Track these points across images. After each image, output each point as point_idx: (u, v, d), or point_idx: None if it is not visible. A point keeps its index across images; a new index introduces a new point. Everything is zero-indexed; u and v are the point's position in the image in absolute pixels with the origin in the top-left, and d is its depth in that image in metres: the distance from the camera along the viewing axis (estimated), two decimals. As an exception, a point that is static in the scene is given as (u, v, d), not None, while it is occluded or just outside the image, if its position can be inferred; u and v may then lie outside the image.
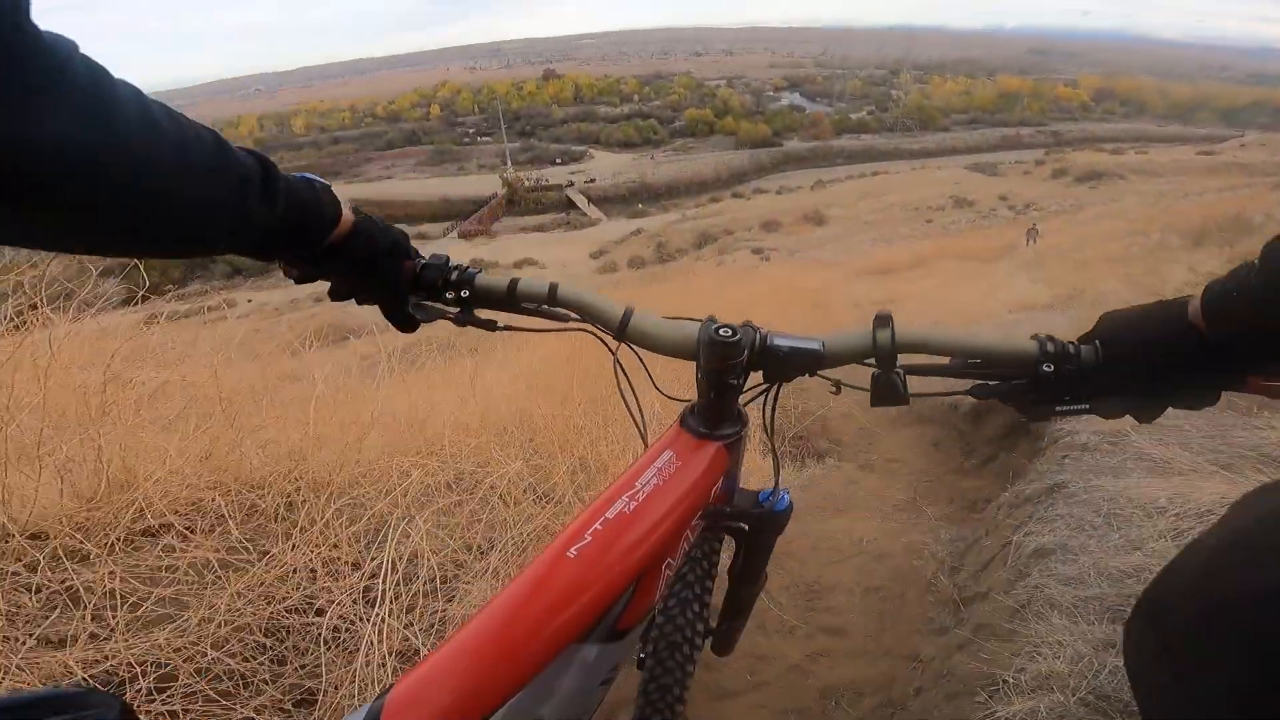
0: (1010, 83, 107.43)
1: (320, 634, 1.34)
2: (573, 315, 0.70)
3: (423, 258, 0.71)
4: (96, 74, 0.41)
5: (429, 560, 1.50)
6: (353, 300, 0.70)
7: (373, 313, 0.74)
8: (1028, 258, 16.33)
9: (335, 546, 1.49)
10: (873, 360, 0.61)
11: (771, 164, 63.09)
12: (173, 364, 1.89)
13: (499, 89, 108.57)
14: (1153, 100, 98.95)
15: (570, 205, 50.33)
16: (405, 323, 0.71)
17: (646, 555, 0.57)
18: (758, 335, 0.62)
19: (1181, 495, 1.59)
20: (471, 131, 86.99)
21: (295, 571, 1.40)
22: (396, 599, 1.41)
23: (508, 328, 0.73)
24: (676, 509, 0.60)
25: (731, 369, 0.60)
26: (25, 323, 1.51)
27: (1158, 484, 1.71)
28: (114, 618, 1.19)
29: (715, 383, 0.62)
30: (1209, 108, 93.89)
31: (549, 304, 0.70)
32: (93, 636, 1.17)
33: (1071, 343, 0.59)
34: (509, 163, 63.30)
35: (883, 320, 0.60)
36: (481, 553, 1.69)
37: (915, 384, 0.62)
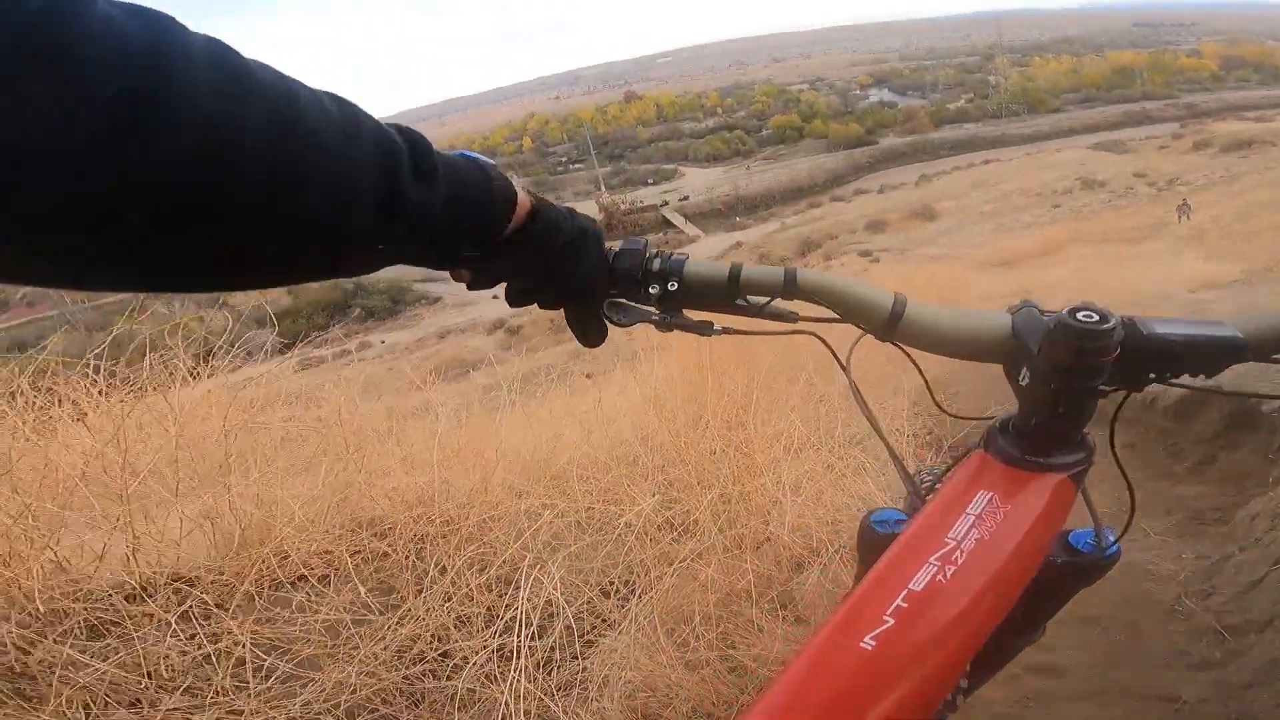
0: (1124, 57, 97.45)
1: (456, 694, 1.23)
2: (800, 314, 0.56)
3: (613, 246, 0.57)
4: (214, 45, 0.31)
5: (564, 610, 1.35)
6: (543, 308, 0.58)
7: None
8: (1183, 234, 14.58)
9: (468, 598, 1.38)
10: None
11: (869, 163, 60.31)
12: (306, 406, 1.89)
13: (584, 115, 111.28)
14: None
15: (667, 224, 50.58)
16: (595, 330, 0.58)
17: (972, 636, 0.42)
18: (1120, 321, 0.44)
19: None
20: (564, 160, 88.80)
21: (428, 628, 1.29)
22: (531, 653, 1.27)
23: (726, 330, 0.58)
24: (1010, 571, 0.44)
25: (1095, 370, 0.44)
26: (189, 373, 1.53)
27: None
28: (254, 680, 1.13)
29: (1068, 391, 0.45)
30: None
31: (785, 295, 0.55)
32: (229, 698, 1.11)
33: None
34: (603, 187, 64.80)
35: None
36: (621, 599, 1.53)
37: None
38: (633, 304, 0.57)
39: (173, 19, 0.30)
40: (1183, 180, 27.47)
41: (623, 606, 1.49)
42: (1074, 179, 32.27)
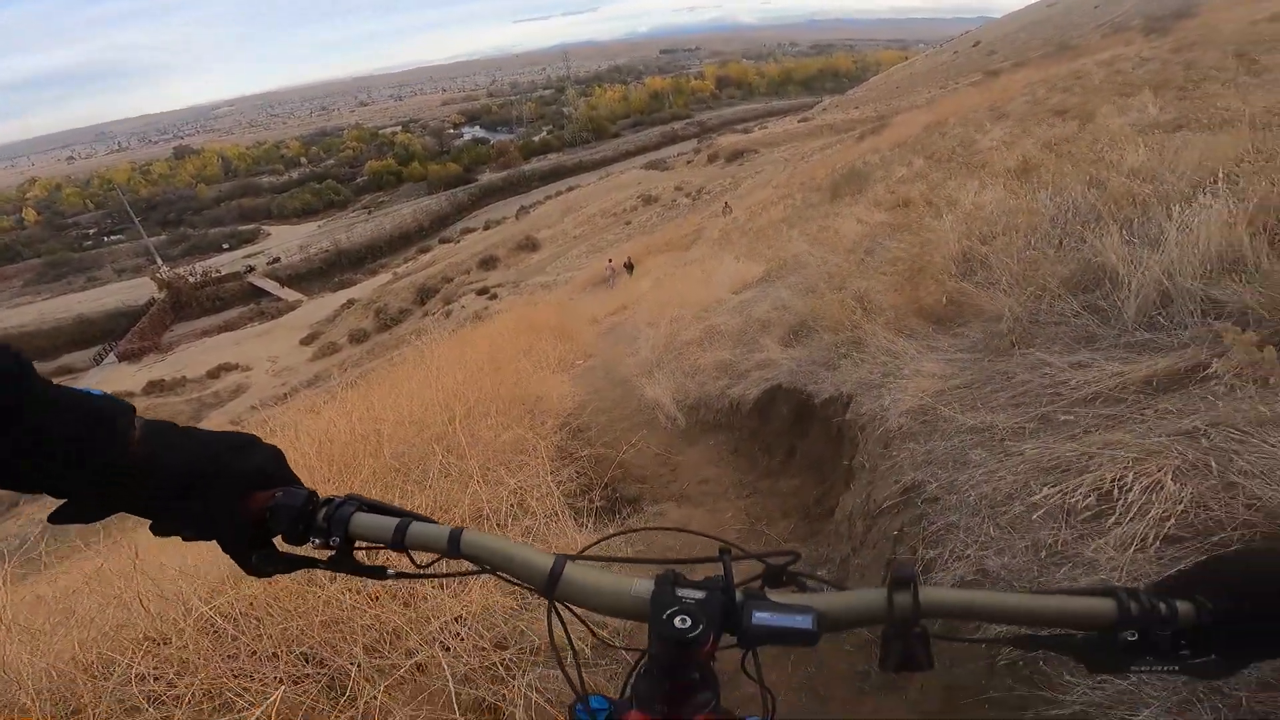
0: (655, 83, 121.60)
1: None
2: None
3: (292, 487, 0.58)
4: None
5: None
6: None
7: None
8: (714, 238, 18.02)
9: None
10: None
11: (471, 201, 62.08)
12: None
13: (117, 176, 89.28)
14: (755, 81, 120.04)
15: (259, 293, 43.93)
16: (250, 569, 0.57)
17: None
18: (729, 602, 0.51)
19: (1038, 465, 1.44)
20: (92, 232, 70.42)
21: None
22: None
23: (401, 575, 0.61)
24: None
25: (692, 664, 0.50)
26: None
27: (1009, 464, 1.58)
28: None
29: (673, 675, 0.51)
30: (793, 81, 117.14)
31: (450, 557, 0.58)
32: None
33: (1161, 597, 0.48)
34: (159, 260, 52.52)
35: (902, 581, 0.51)
36: None
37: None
38: (291, 552, 0.58)
39: None
40: (707, 189, 34.73)
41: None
42: (637, 197, 38.26)
